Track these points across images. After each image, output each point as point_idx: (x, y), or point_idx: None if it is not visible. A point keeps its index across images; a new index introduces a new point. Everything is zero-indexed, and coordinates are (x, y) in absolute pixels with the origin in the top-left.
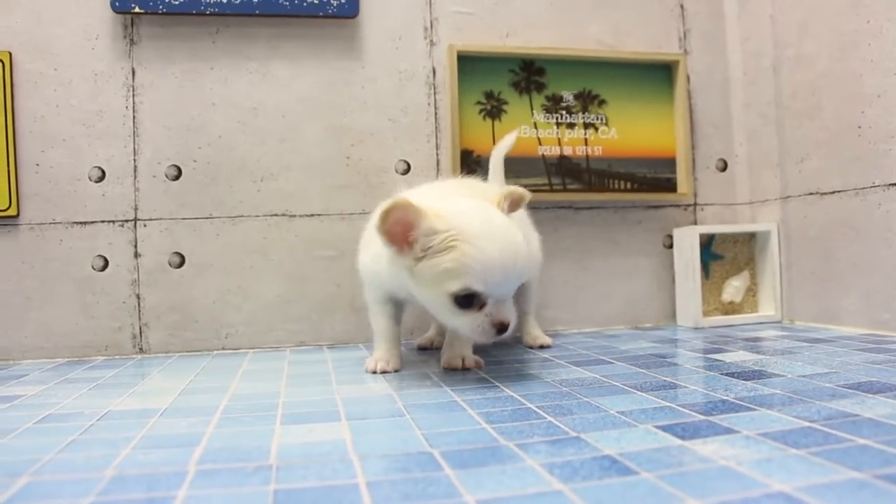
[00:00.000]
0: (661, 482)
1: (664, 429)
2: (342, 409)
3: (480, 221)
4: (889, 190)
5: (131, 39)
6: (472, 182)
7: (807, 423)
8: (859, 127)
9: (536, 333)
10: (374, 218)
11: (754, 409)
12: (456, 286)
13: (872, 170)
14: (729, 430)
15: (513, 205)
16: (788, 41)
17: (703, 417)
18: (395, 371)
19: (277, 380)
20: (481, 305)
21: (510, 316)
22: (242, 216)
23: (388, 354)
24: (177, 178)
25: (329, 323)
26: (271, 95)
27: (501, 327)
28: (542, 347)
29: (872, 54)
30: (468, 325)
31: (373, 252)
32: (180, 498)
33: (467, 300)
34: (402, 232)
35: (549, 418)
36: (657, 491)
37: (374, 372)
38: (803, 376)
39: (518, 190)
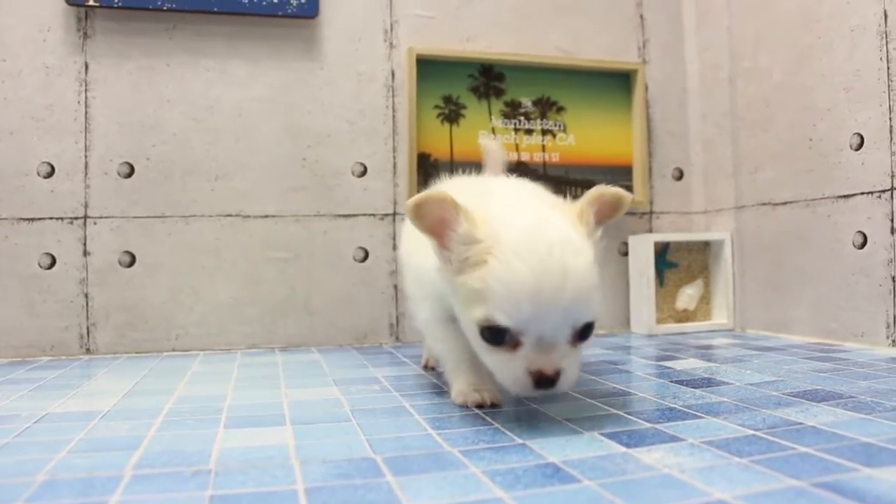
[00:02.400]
0: (603, 490)
1: (610, 436)
2: (288, 414)
3: (524, 231)
4: (838, 202)
5: (85, 33)
6: (526, 185)
7: (751, 432)
8: (811, 139)
9: None
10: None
11: (701, 417)
12: (479, 314)
13: (822, 182)
14: (674, 438)
15: (607, 211)
16: (744, 53)
17: (649, 425)
18: (494, 406)
19: (225, 382)
20: (515, 345)
21: (556, 365)
22: (196, 216)
23: (479, 382)
24: (129, 175)
25: (282, 325)
26: (228, 94)
27: (540, 379)
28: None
29: (823, 69)
30: (498, 368)
31: (429, 252)
32: (112, 503)
33: (494, 335)
34: (440, 228)
35: (497, 425)
36: (598, 499)
37: (467, 405)
38: (751, 384)
39: (611, 190)
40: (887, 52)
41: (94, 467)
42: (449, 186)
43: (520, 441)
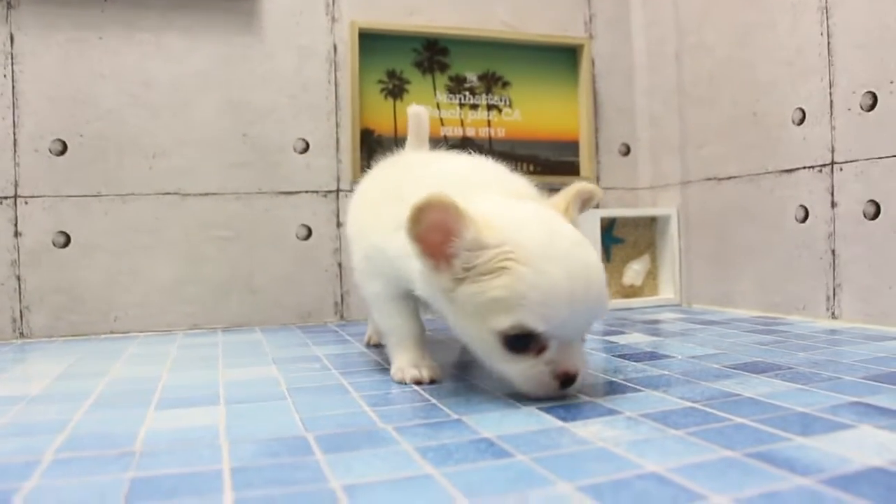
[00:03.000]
0: (535, 464)
1: (547, 411)
2: (222, 394)
3: (544, 235)
4: (781, 176)
5: (8, 3)
6: (489, 166)
7: (689, 404)
8: (754, 114)
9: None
10: (397, 195)
11: (640, 391)
12: (506, 323)
13: (766, 156)
14: (612, 412)
15: (583, 206)
16: (690, 29)
17: (588, 399)
18: (433, 382)
19: (162, 364)
20: (540, 349)
21: (578, 364)
22: (133, 194)
23: (419, 358)
24: (62, 153)
25: (225, 305)
26: (165, 69)
27: (567, 379)
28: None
29: (766, 44)
30: (521, 375)
31: (386, 232)
32: (26, 489)
33: (521, 342)
34: (440, 242)
35: (434, 401)
36: (529, 473)
37: (405, 382)
38: (693, 357)
39: (588, 186)
40: (828, 26)
41: (13, 452)
42: (405, 169)
43: (455, 417)
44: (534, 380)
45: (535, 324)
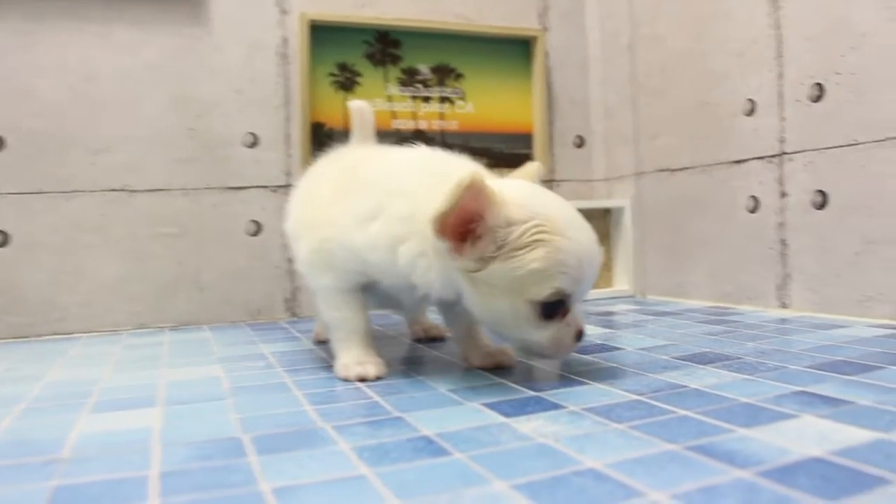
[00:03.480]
0: (472, 462)
1: (491, 406)
2: (162, 395)
3: (562, 208)
4: (733, 167)
5: None
6: (448, 155)
7: (635, 397)
8: (706, 105)
9: (430, 323)
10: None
11: (586, 384)
12: (547, 291)
13: (718, 147)
14: (556, 406)
15: None
16: (644, 20)
17: (533, 394)
18: (378, 378)
19: (103, 365)
20: (565, 312)
21: (583, 322)
22: (77, 191)
23: (364, 355)
24: None
25: (172, 304)
26: (110, 61)
27: (580, 336)
28: (433, 340)
29: (719, 35)
30: (550, 339)
31: (351, 225)
32: None
33: (555, 307)
34: (464, 224)
35: (376, 398)
36: (465, 472)
37: (349, 379)
38: (642, 349)
39: (537, 164)
40: (777, 18)
41: None
42: (365, 162)
43: (397, 414)
44: (560, 341)
45: (572, 287)
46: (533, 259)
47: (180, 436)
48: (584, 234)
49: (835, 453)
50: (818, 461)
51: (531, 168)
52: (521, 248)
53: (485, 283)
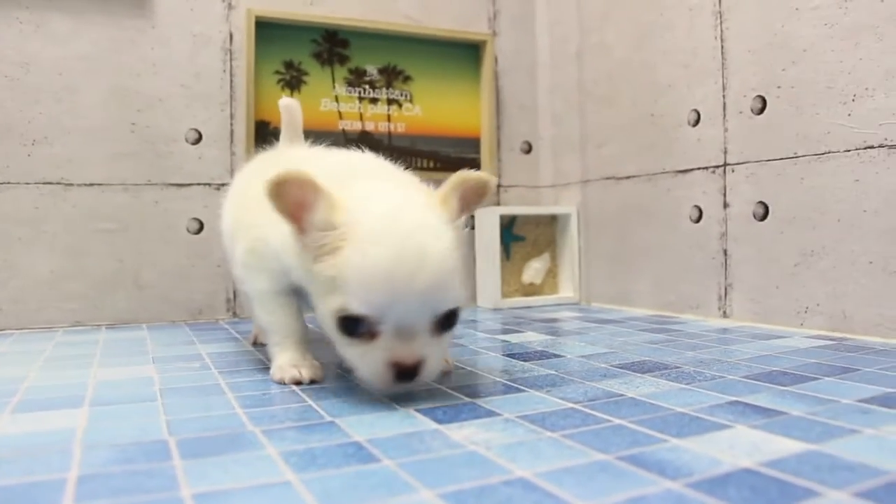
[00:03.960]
0: (400, 470)
1: (425, 413)
2: (89, 395)
3: (381, 216)
4: (678, 176)
5: None
6: (373, 158)
7: (570, 405)
8: (652, 115)
9: None
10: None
11: (523, 391)
12: (335, 304)
13: (663, 156)
14: (490, 413)
15: (471, 197)
16: (592, 28)
17: (468, 400)
18: (313, 382)
19: (31, 363)
20: (372, 335)
21: (416, 354)
22: (10, 183)
23: (299, 358)
24: None
25: (110, 301)
26: (47, 51)
27: (401, 371)
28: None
29: (665, 46)
30: (356, 362)
31: (271, 225)
32: None
33: (351, 325)
34: (298, 211)
35: (310, 402)
36: (392, 480)
37: (284, 382)
38: (582, 357)
39: (475, 175)
40: (721, 31)
41: None
42: (301, 161)
43: (329, 419)
44: (367, 368)
45: (358, 307)
46: (328, 267)
47: (104, 438)
48: (387, 248)
49: (765, 464)
50: (748, 472)
51: (456, 178)
52: (328, 253)
53: (313, 283)
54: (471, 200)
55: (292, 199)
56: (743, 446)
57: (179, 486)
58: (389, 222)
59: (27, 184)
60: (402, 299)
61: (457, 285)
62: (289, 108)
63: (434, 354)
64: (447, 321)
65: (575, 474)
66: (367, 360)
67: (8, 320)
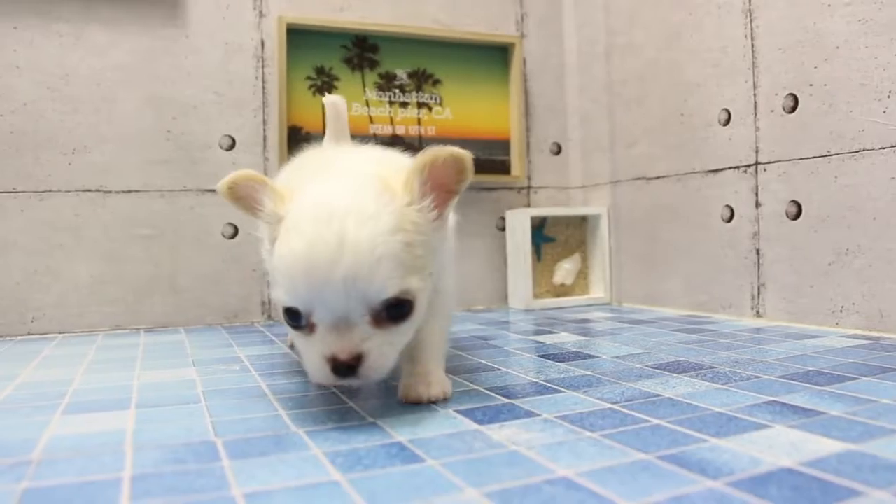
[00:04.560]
0: (444, 469)
1: (465, 413)
2: (135, 397)
3: (309, 203)
4: (707, 176)
5: None
6: (370, 154)
7: (608, 405)
8: (682, 115)
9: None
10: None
11: (560, 392)
12: (275, 295)
13: (693, 156)
14: (529, 414)
15: (449, 176)
16: (620, 29)
17: (506, 401)
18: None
19: (76, 366)
20: (312, 328)
21: (352, 349)
22: (51, 191)
23: None
24: None
25: (148, 305)
26: (85, 62)
27: (335, 365)
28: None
29: (694, 45)
30: (303, 355)
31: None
32: None
33: (291, 317)
34: (255, 208)
35: (350, 403)
36: (437, 479)
37: (323, 385)
38: (617, 357)
39: (444, 152)
40: (751, 29)
41: None
42: (315, 159)
43: (371, 420)
44: (308, 361)
45: (286, 298)
46: (270, 259)
47: (153, 438)
48: (304, 236)
49: (805, 464)
50: (789, 472)
51: (418, 159)
52: (275, 245)
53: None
54: (446, 180)
55: (246, 197)
56: (782, 446)
57: (229, 485)
58: (313, 210)
59: (67, 192)
60: (323, 288)
61: (392, 272)
62: (335, 104)
63: (378, 348)
64: (393, 312)
65: (617, 474)
66: (308, 353)
67: (51, 324)
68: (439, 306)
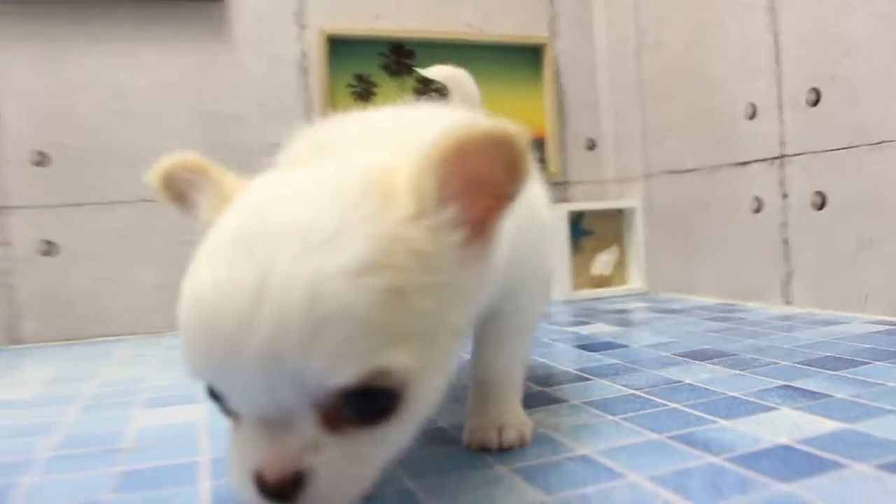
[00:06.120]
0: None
1: None
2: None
3: (238, 213)
4: (735, 169)
5: None
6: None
7: (632, 391)
8: (709, 110)
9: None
10: None
11: (590, 380)
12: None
13: (721, 150)
14: (558, 400)
15: (484, 171)
16: (649, 28)
17: (539, 388)
18: None
19: (148, 365)
20: (236, 416)
21: (287, 464)
22: (115, 202)
23: None
24: (39, 164)
25: None
26: (138, 79)
27: (260, 482)
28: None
29: (719, 42)
30: (226, 456)
31: None
32: (24, 484)
33: (211, 395)
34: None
35: None
36: (471, 457)
37: None
38: (647, 346)
39: (478, 130)
40: (775, 26)
41: (10, 452)
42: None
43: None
44: (229, 469)
45: (184, 365)
46: None
47: (223, 427)
48: (225, 277)
49: (800, 441)
50: (784, 448)
51: (449, 140)
52: None
53: None
54: (487, 177)
55: (185, 196)
56: (785, 426)
57: None
58: (234, 224)
59: (129, 202)
60: (230, 363)
61: (352, 342)
62: (454, 78)
63: (334, 467)
64: (363, 407)
65: (629, 451)
66: (229, 457)
67: (121, 327)
68: (520, 324)
